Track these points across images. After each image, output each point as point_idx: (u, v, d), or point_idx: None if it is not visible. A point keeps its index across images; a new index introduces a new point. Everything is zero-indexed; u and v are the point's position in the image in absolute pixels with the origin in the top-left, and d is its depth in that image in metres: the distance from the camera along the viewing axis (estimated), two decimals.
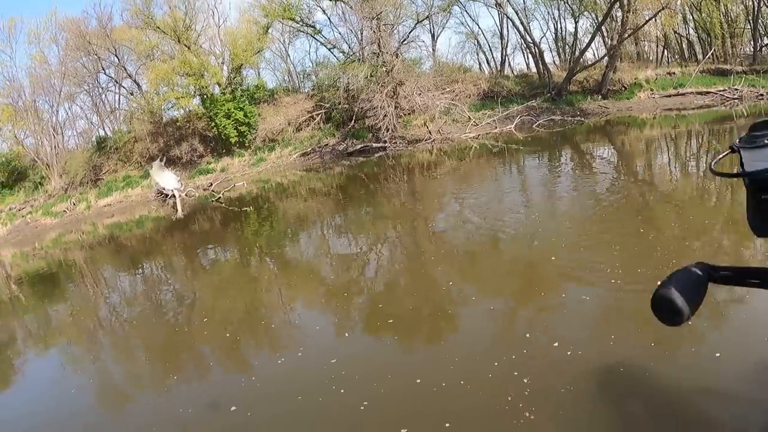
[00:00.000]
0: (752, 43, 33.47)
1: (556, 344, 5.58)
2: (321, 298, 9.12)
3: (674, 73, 31.30)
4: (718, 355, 4.88)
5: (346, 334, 7.28)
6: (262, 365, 7.00)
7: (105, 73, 33.60)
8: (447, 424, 4.55)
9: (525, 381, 4.97)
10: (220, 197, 22.66)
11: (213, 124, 28.50)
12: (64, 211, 26.78)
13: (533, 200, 13.85)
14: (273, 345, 7.58)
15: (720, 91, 27.70)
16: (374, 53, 26.97)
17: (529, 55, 36.99)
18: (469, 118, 27.26)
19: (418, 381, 5.41)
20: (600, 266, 7.65)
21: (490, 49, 39.24)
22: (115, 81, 34.22)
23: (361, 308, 8.25)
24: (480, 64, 39.73)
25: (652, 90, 30.31)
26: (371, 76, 26.26)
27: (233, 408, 5.60)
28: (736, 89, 26.98)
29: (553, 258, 8.58)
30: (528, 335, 6.03)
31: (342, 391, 5.53)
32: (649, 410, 4.37)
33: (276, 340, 7.72)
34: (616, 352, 5.34)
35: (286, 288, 10.25)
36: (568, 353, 5.35)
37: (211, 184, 25.35)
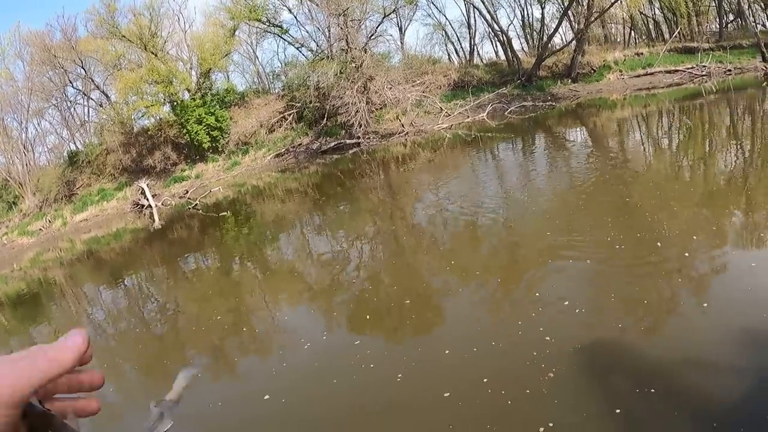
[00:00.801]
0: (718, 20, 33.99)
1: (541, 329, 5.70)
2: (306, 297, 9.17)
3: (642, 54, 31.69)
4: (699, 326, 5.04)
5: (368, 317, 7.34)
6: (257, 367, 7.06)
7: (72, 86, 33.26)
8: (485, 379, 4.90)
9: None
10: (196, 204, 22.51)
11: (185, 130, 28.26)
12: (41, 229, 26.42)
13: (509, 185, 14.02)
14: (261, 349, 7.64)
15: (688, 68, 28.13)
16: (343, 50, 26.94)
17: (498, 43, 37.40)
18: (441, 109, 27.38)
19: (447, 352, 5.70)
20: (579, 245, 7.78)
21: (459, 40, 39.50)
22: (83, 93, 33.84)
23: (378, 298, 8.29)
24: (449, 54, 39.99)
25: (621, 71, 30.68)
26: (341, 72, 26.24)
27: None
28: (704, 66, 27.42)
29: (531, 240, 8.71)
30: (515, 321, 6.15)
31: (372, 366, 5.75)
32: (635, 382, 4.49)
33: (263, 344, 7.77)
34: (600, 328, 5.47)
35: (271, 291, 10.27)
36: (550, 338, 5.46)
37: (187, 192, 25.18)
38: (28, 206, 28.32)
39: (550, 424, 4.18)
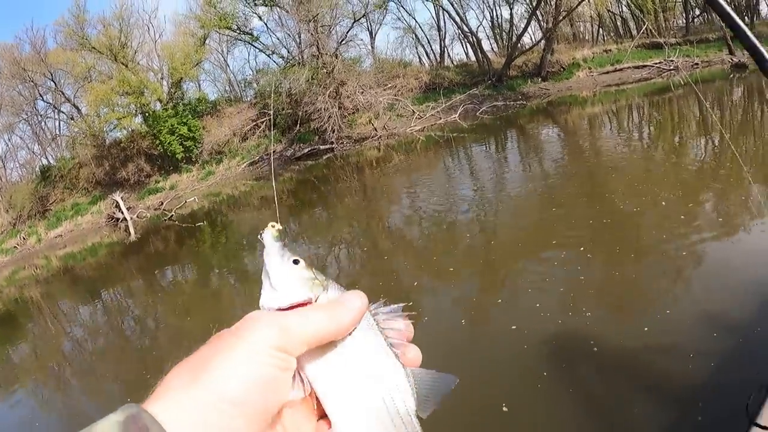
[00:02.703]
0: (684, 15, 34.60)
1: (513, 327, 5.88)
2: None
3: (611, 50, 32.14)
4: (668, 312, 5.24)
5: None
6: None
7: (43, 100, 32.86)
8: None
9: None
10: (172, 215, 22.43)
11: (157, 141, 28.03)
12: (15, 246, 26.09)
13: (483, 184, 14.25)
14: None
15: (656, 63, 28.61)
16: (314, 56, 26.98)
17: (468, 45, 37.62)
18: (413, 111, 27.57)
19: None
20: (553, 241, 7.98)
21: (429, 42, 39.65)
22: (54, 107, 33.40)
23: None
24: (420, 57, 40.10)
25: (590, 68, 31.10)
26: (312, 78, 26.28)
27: None
28: (672, 60, 27.86)
29: (505, 235, 8.90)
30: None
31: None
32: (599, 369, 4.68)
33: None
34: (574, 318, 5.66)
35: (250, 300, 10.31)
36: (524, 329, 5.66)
37: (162, 203, 25.05)
38: (1, 223, 27.91)
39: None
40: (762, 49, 1.28)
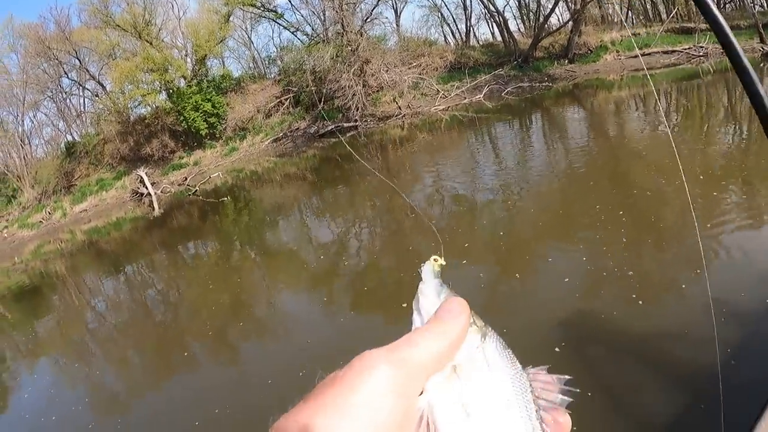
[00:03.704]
0: (716, 0, 33.72)
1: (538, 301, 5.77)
2: (306, 280, 9.24)
3: (639, 34, 31.42)
4: (685, 297, 5.08)
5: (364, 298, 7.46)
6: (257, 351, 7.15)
7: (68, 77, 32.90)
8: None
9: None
10: (196, 190, 22.53)
11: (182, 118, 28.14)
12: (41, 221, 26.38)
13: (506, 165, 14.03)
14: (257, 336, 7.74)
15: (685, 49, 27.90)
16: (338, 33, 26.75)
17: (494, 25, 37.00)
18: (438, 90, 27.26)
19: None
20: (574, 223, 7.84)
21: (455, 21, 39.18)
22: (79, 84, 33.57)
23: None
24: (445, 36, 39.67)
25: (618, 51, 30.47)
26: (337, 56, 26.10)
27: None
28: (702, 47, 27.15)
29: (530, 221, 8.76)
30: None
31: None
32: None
33: (259, 330, 7.87)
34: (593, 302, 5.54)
35: (271, 274, 10.33)
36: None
37: (186, 179, 25.19)
38: (27, 199, 28.23)
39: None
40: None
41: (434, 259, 0.63)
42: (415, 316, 0.57)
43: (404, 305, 6.87)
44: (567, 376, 0.55)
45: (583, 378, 4.47)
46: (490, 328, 0.56)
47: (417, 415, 0.47)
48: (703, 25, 29.26)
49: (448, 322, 0.52)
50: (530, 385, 0.54)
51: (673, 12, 32.26)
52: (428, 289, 0.59)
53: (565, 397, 0.55)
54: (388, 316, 6.81)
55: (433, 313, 0.54)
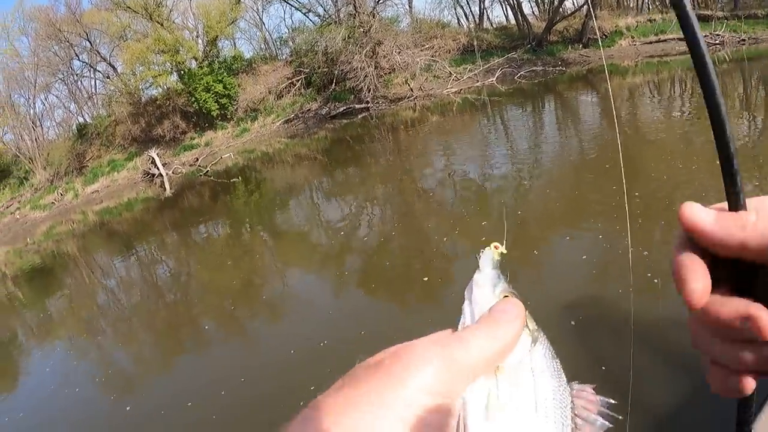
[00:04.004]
0: None
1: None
2: (317, 261, 9.24)
3: (655, 20, 30.95)
4: None
5: (373, 284, 7.44)
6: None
7: (78, 59, 32.95)
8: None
9: None
10: (207, 171, 22.54)
11: (193, 99, 28.12)
12: (53, 202, 26.48)
13: (518, 149, 13.92)
14: (272, 312, 7.75)
15: (702, 36, 27.48)
16: (350, 14, 26.59)
17: (508, 7, 36.59)
18: (450, 73, 27.09)
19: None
20: (585, 210, 7.77)
21: (468, 3, 38.75)
22: (90, 66, 33.62)
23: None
24: (458, 18, 39.30)
25: (633, 37, 30.06)
26: (349, 37, 25.94)
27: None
28: (718, 35, 26.70)
29: (537, 203, 8.68)
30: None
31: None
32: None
33: (274, 307, 7.88)
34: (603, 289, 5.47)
35: (280, 256, 10.32)
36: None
37: (197, 159, 25.19)
38: (39, 180, 28.33)
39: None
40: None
41: (494, 246, 0.58)
42: (466, 307, 0.53)
43: (425, 279, 6.93)
44: (611, 400, 0.52)
45: (596, 352, 4.43)
46: (542, 333, 0.52)
47: (455, 418, 0.45)
48: (720, 13, 28.87)
49: (502, 325, 0.49)
50: (572, 401, 0.50)
51: None
52: (484, 280, 0.55)
53: (606, 422, 0.51)
54: (406, 293, 6.79)
55: (486, 309, 0.51)
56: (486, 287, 0.53)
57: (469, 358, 0.45)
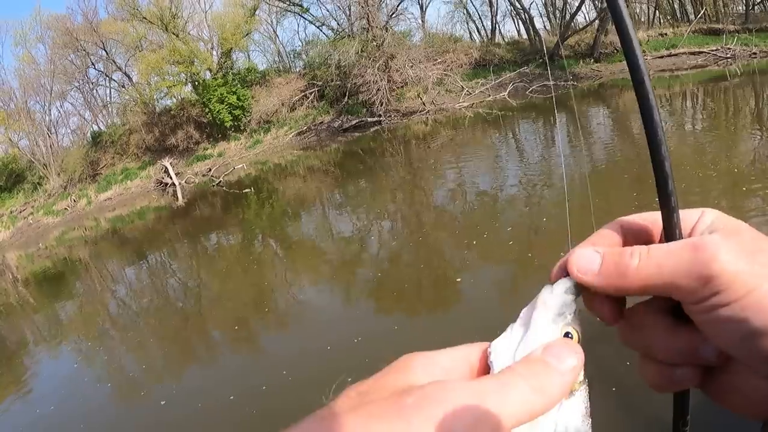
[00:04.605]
0: (744, 1, 33.19)
1: None
2: (327, 274, 9.31)
3: (666, 34, 31.01)
4: None
5: (387, 295, 7.51)
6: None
7: (94, 68, 33.39)
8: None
9: None
10: (219, 181, 22.69)
11: (207, 109, 28.43)
12: (66, 208, 26.75)
13: (529, 164, 13.94)
14: (280, 323, 7.83)
15: (713, 50, 27.44)
16: (363, 28, 26.85)
17: (520, 22, 36.76)
18: (462, 87, 27.21)
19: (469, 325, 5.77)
20: (595, 226, 7.78)
21: (480, 18, 39.01)
22: (105, 75, 34.04)
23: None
24: (470, 33, 39.56)
25: (644, 51, 30.06)
26: (362, 51, 26.15)
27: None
28: (729, 48, 26.70)
29: (550, 218, 8.72)
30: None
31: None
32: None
33: (282, 319, 7.97)
34: None
35: (293, 267, 10.39)
36: None
37: (210, 170, 25.40)
38: (52, 186, 28.59)
39: None
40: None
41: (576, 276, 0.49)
42: (518, 325, 0.48)
43: (458, 280, 7.00)
44: None
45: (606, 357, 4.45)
46: (585, 384, 0.45)
47: None
48: (731, 27, 28.86)
49: (554, 377, 0.41)
50: None
51: (701, 12, 31.80)
52: (551, 302, 0.48)
53: None
54: (429, 302, 6.88)
55: (541, 340, 0.45)
56: (548, 315, 0.47)
57: (504, 411, 0.38)
